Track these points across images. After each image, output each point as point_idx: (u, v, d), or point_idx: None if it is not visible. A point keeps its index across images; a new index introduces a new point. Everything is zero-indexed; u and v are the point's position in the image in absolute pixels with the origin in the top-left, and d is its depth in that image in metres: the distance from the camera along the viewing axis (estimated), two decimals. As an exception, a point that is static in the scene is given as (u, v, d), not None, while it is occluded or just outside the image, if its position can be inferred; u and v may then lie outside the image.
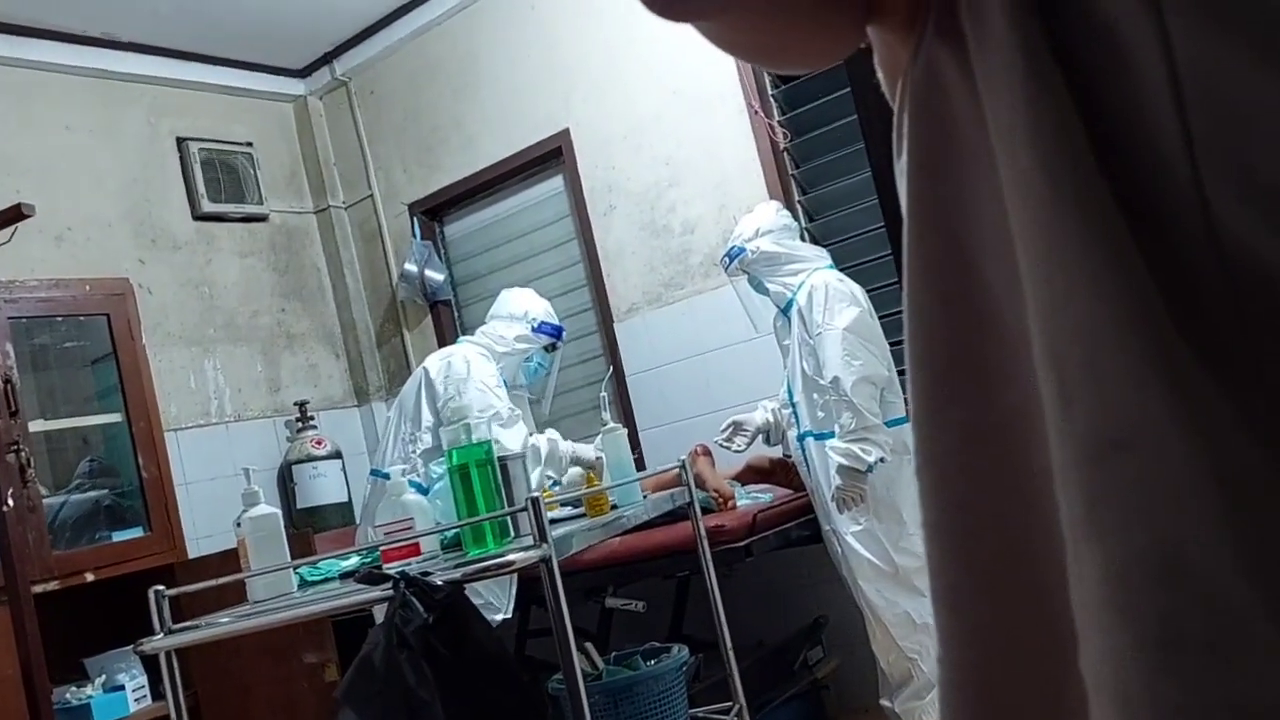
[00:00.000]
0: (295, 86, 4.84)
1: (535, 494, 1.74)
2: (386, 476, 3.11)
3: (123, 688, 3.20)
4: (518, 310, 3.36)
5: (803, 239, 3.37)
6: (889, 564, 2.88)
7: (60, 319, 3.60)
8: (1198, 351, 0.41)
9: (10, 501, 2.58)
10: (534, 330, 3.32)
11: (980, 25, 0.48)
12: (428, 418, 3.11)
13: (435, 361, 3.23)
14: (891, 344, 3.05)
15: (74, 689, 3.18)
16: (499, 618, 2.96)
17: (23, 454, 2.99)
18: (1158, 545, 0.41)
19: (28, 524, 3.00)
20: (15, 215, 2.70)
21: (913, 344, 0.53)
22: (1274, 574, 0.39)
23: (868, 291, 3.10)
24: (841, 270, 3.20)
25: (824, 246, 3.38)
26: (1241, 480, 0.40)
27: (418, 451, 3.10)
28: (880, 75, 0.63)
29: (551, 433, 3.20)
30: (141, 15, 3.99)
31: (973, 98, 0.49)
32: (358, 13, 4.45)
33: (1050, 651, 0.47)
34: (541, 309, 3.39)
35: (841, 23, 0.57)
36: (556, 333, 3.40)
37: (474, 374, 3.07)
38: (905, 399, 3.07)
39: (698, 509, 2.69)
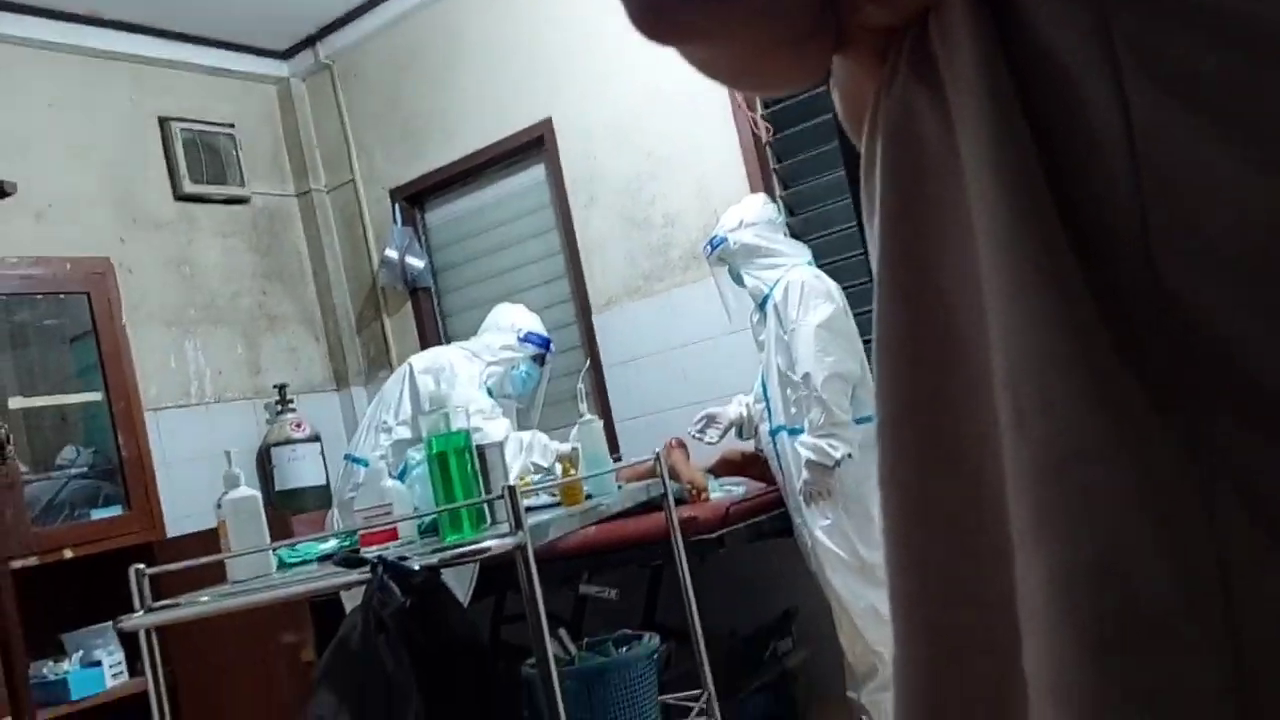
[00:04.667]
0: (279, 68, 4.84)
1: (512, 483, 1.78)
2: (361, 462, 3.15)
3: (100, 664, 3.22)
4: (505, 322, 3.44)
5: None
6: (856, 558, 2.94)
7: (40, 296, 3.61)
8: (1137, 379, 0.46)
9: (-9, 479, 2.60)
10: (520, 340, 3.39)
11: (951, 62, 0.51)
12: (406, 410, 3.17)
13: (420, 359, 3.30)
14: (865, 341, 3.10)
15: (51, 664, 3.21)
16: None
17: (1, 431, 3.00)
18: (1097, 553, 0.45)
19: (6, 500, 3.02)
20: (-1, 194, 2.71)
21: (880, 359, 0.56)
22: (1195, 579, 0.44)
23: (845, 288, 3.15)
24: (820, 266, 3.24)
25: (804, 242, 3.43)
26: (1169, 494, 0.45)
27: (390, 441, 3.15)
28: (837, 99, 0.66)
29: (537, 433, 3.26)
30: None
31: (945, 129, 0.52)
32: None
33: (998, 653, 0.51)
34: (529, 321, 3.47)
35: (815, 52, 0.59)
36: (544, 344, 3.46)
37: (459, 372, 3.13)
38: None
39: (671, 500, 2.74)
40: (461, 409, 2.03)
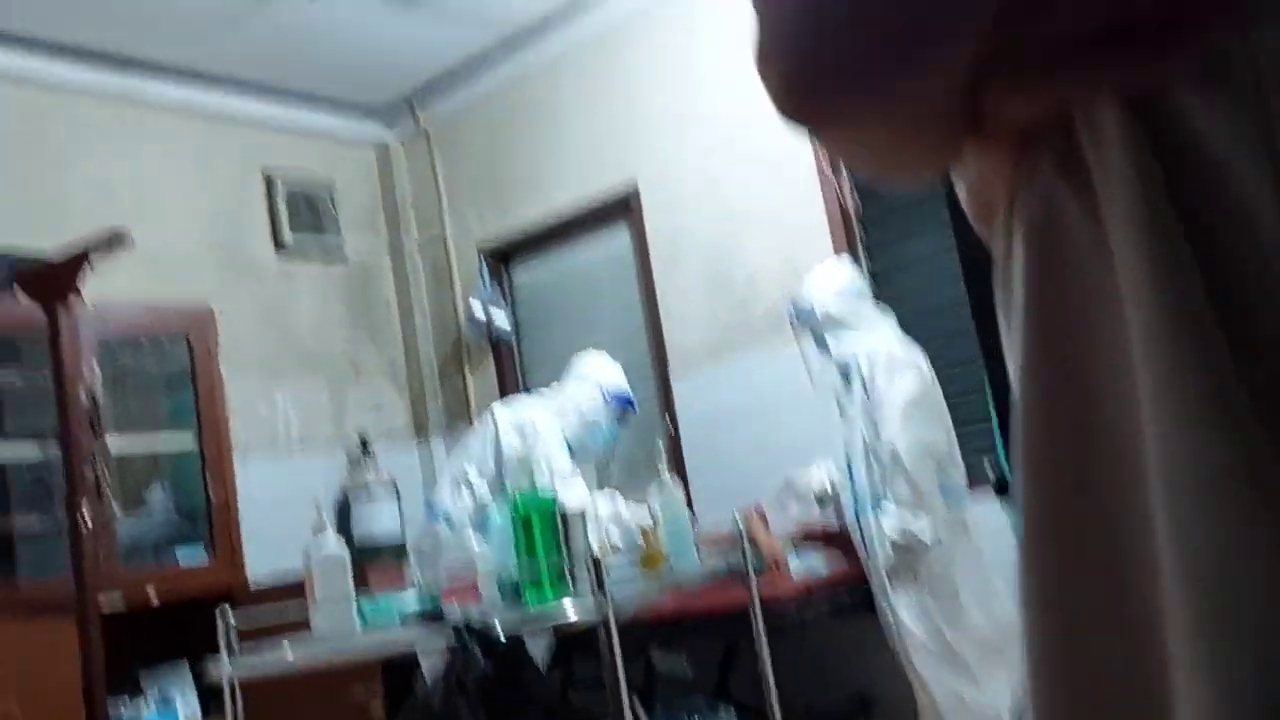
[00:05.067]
0: (378, 130, 5.00)
1: (595, 553, 1.77)
2: (442, 514, 3.17)
3: (175, 706, 3.26)
4: (592, 376, 3.41)
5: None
6: (941, 642, 2.84)
7: (143, 340, 3.73)
8: None
9: (89, 520, 2.67)
10: (606, 399, 3.36)
11: (1102, 162, 0.50)
12: (489, 466, 3.17)
13: (505, 413, 3.29)
14: (952, 404, 3.02)
15: (128, 701, 3.26)
16: None
17: (101, 471, 3.10)
18: (1261, 675, 0.43)
19: (100, 540, 3.10)
20: (114, 244, 2.81)
21: (1023, 466, 0.54)
22: None
23: (932, 359, 3.09)
24: (906, 336, 3.19)
25: (889, 307, 3.38)
26: None
27: (472, 495, 3.16)
28: (963, 193, 0.65)
29: (614, 494, 3.24)
30: (239, 49, 4.16)
31: (1094, 227, 0.50)
32: (443, 54, 4.58)
33: None
34: (615, 378, 3.43)
35: (953, 143, 0.58)
36: (628, 404, 3.43)
37: (541, 431, 3.14)
38: (968, 470, 3.05)
39: (750, 571, 2.70)
40: (543, 475, 2.03)
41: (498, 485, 3.05)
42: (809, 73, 0.52)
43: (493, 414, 3.33)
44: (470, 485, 3.20)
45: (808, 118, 0.54)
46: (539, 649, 2.98)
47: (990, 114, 0.55)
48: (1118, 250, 0.49)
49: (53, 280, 2.92)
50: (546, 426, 3.20)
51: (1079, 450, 0.52)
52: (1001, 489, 2.43)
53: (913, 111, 0.55)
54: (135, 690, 3.33)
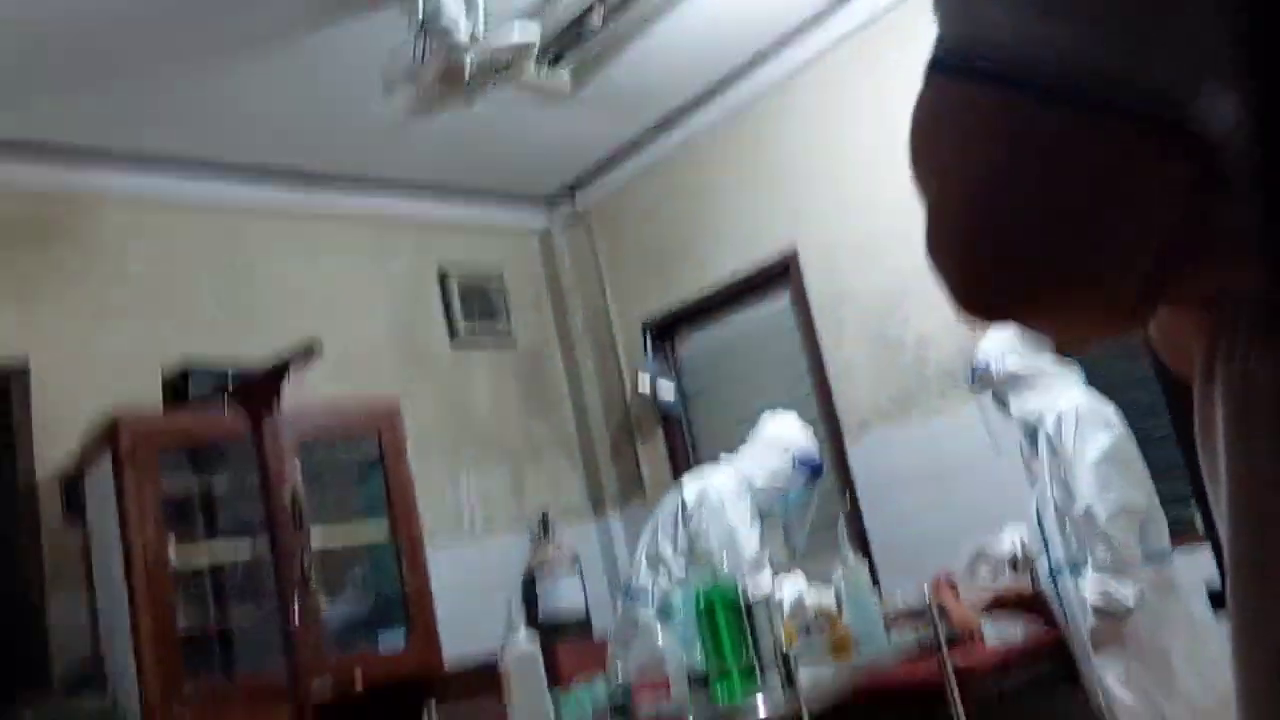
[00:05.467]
0: (540, 219, 5.20)
1: (783, 645, 1.75)
2: (638, 595, 3.19)
3: (383, 790, 3.38)
4: (779, 441, 3.35)
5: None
6: (1155, 712, 2.67)
7: (337, 438, 3.95)
8: None
9: (298, 616, 2.83)
10: (794, 465, 3.29)
11: None
12: (681, 543, 3.17)
13: (692, 488, 3.27)
14: (1153, 465, 2.86)
15: (341, 788, 3.40)
16: None
17: (307, 566, 3.28)
18: None
19: (310, 630, 3.28)
20: (309, 353, 3.01)
21: (1239, 649, 0.52)
22: None
23: (1123, 411, 2.94)
24: (1093, 388, 3.05)
25: (1074, 363, 3.23)
26: None
27: (670, 577, 3.17)
28: (1154, 332, 0.63)
29: (798, 574, 3.19)
30: (406, 155, 4.42)
31: None
32: (598, 143, 4.74)
33: None
34: (803, 441, 3.35)
35: (1134, 318, 0.57)
36: (818, 468, 3.35)
37: (729, 509, 3.12)
38: (1170, 529, 2.87)
39: (944, 646, 2.61)
40: (728, 561, 2.03)
41: (682, 566, 3.06)
42: (994, 273, 0.52)
43: (681, 492, 3.31)
44: (665, 563, 3.21)
45: (990, 315, 0.54)
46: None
47: (1180, 283, 0.54)
48: None
49: (258, 391, 3.16)
50: (732, 502, 3.15)
51: None
52: (1210, 533, 2.27)
53: (1092, 302, 0.54)
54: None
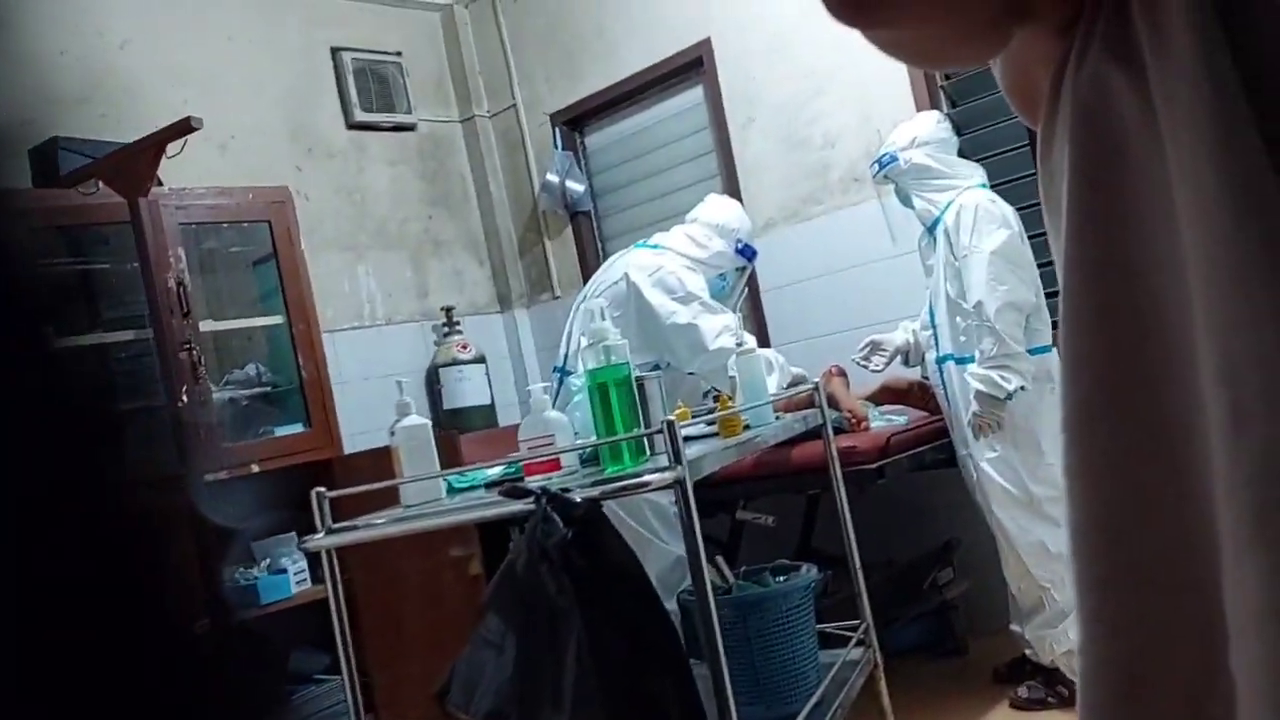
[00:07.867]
0: (442, -7, 4.89)
1: (670, 417, 1.78)
2: (573, 371, 3.08)
3: (285, 571, 3.46)
4: (725, 222, 3.16)
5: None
6: (1024, 492, 2.84)
7: (225, 225, 3.80)
8: None
9: (185, 398, 2.78)
10: (736, 250, 3.14)
11: (1159, 38, 0.47)
12: (630, 320, 2.94)
13: (641, 273, 2.98)
14: (1041, 267, 2.94)
15: (242, 570, 3.46)
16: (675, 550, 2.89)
17: (194, 353, 3.21)
18: None
19: (200, 418, 3.24)
20: (184, 128, 2.85)
21: (1070, 345, 0.54)
22: None
23: (1019, 210, 2.98)
24: (993, 187, 3.08)
25: (975, 162, 3.24)
26: None
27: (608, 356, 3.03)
28: (1000, 73, 0.64)
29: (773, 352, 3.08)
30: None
31: (1145, 109, 0.49)
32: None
33: (1198, 648, 0.49)
34: (747, 228, 3.21)
35: (1002, 31, 0.58)
36: (753, 255, 3.22)
37: (690, 289, 2.93)
38: (1053, 326, 2.98)
39: (830, 431, 2.70)
40: (624, 344, 2.02)
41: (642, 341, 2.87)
42: None
43: (630, 278, 3.00)
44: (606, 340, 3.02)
45: (860, 23, 0.56)
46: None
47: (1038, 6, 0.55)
48: (1174, 134, 0.47)
49: (130, 170, 2.98)
50: (690, 280, 2.96)
51: (1127, 332, 0.52)
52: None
53: (959, 6, 0.55)
54: (250, 560, 3.54)
